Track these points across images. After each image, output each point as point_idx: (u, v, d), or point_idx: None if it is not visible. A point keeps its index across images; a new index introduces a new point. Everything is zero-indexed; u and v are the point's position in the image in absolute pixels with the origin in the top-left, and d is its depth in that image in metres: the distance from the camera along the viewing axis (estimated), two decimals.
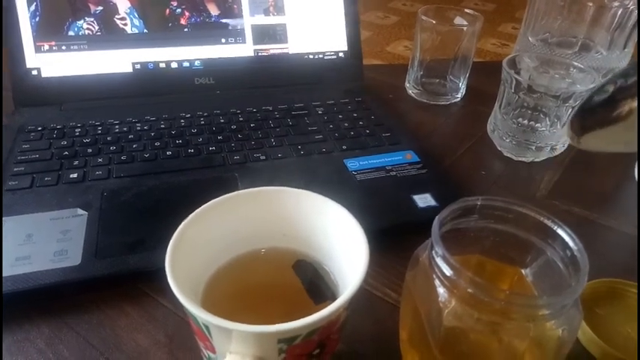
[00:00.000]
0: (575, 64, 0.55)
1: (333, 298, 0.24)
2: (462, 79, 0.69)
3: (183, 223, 0.28)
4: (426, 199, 0.47)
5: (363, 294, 0.40)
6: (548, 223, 0.29)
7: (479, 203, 0.30)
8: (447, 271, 0.26)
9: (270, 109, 0.60)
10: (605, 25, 0.60)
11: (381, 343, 0.36)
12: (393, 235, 0.42)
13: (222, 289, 0.30)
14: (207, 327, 0.24)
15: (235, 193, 0.31)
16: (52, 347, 0.35)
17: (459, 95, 0.70)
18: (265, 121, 0.57)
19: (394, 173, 0.50)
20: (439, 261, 0.26)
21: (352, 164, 0.51)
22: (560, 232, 0.28)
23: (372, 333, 0.37)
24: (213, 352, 0.25)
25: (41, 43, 0.56)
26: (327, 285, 0.31)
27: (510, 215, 0.30)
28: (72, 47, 0.57)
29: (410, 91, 0.71)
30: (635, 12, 0.58)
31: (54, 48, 0.57)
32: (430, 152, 0.56)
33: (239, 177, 0.48)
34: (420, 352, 0.31)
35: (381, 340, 0.36)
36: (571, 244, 0.28)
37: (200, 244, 0.29)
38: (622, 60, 0.64)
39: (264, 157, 0.51)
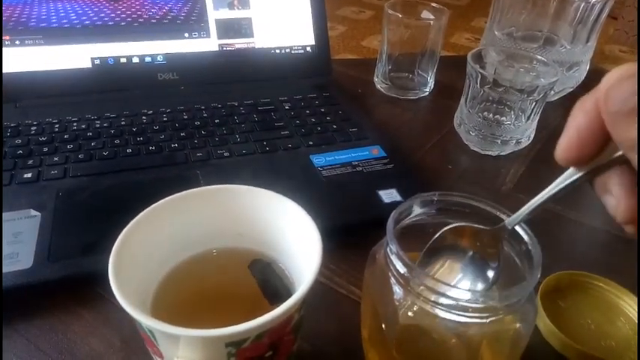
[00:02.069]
0: (539, 57, 0.55)
1: (289, 297, 0.24)
2: (430, 74, 0.68)
3: (128, 225, 0.27)
4: (391, 195, 0.47)
5: (327, 291, 0.40)
6: (504, 217, 0.29)
7: (435, 199, 0.30)
8: (402, 269, 0.26)
9: (236, 104, 0.59)
10: (568, 19, 0.61)
11: (345, 341, 0.36)
12: (358, 232, 0.41)
13: (174, 292, 0.29)
14: (151, 332, 0.23)
15: (185, 192, 0.30)
16: None
17: (428, 89, 0.70)
18: (230, 117, 0.56)
19: (360, 169, 0.50)
20: (394, 258, 0.26)
21: (318, 160, 0.50)
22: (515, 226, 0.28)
23: (336, 331, 0.37)
24: (161, 357, 0.24)
25: None
26: (283, 284, 0.30)
27: (467, 210, 0.30)
28: (26, 42, 0.55)
29: (378, 86, 0.70)
30: (597, 6, 0.59)
31: (7, 43, 0.54)
32: (397, 147, 0.55)
33: (201, 174, 0.47)
34: (378, 351, 0.30)
35: (346, 338, 0.36)
36: (525, 237, 0.28)
37: (149, 246, 0.28)
38: (585, 53, 0.64)
39: (228, 154, 0.50)
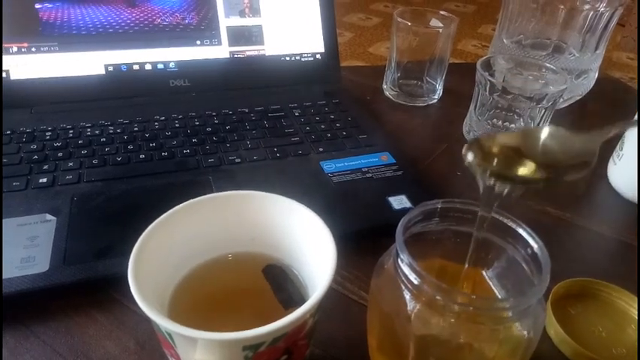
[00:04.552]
0: (548, 65, 0.55)
1: (303, 302, 0.24)
2: (438, 81, 0.69)
3: (147, 230, 0.27)
4: (401, 201, 0.47)
5: (338, 297, 0.40)
6: (508, 222, 0.29)
7: (439, 206, 0.30)
8: (415, 279, 0.26)
9: (247, 111, 0.60)
10: (577, 27, 0.61)
11: (356, 347, 0.36)
12: (368, 237, 0.42)
13: (190, 295, 0.30)
14: (170, 335, 0.23)
15: (200, 198, 0.30)
16: (17, 357, 0.34)
17: (436, 96, 0.70)
18: (241, 123, 0.57)
19: (370, 175, 0.50)
20: (405, 269, 0.26)
21: (328, 166, 0.51)
22: (520, 230, 0.29)
23: (347, 336, 0.37)
24: (178, 359, 0.25)
25: (10, 45, 0.55)
26: (296, 289, 0.31)
27: (470, 216, 0.30)
28: (42, 49, 0.56)
29: (387, 93, 0.71)
30: (606, 15, 0.59)
31: (23, 50, 0.56)
32: (406, 154, 0.56)
33: (213, 180, 0.48)
34: None
35: (357, 343, 0.36)
36: (531, 242, 0.28)
37: (165, 251, 0.28)
38: (594, 61, 0.65)
39: (239, 160, 0.51)
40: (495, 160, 0.26)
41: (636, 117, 0.51)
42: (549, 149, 0.27)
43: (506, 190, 0.26)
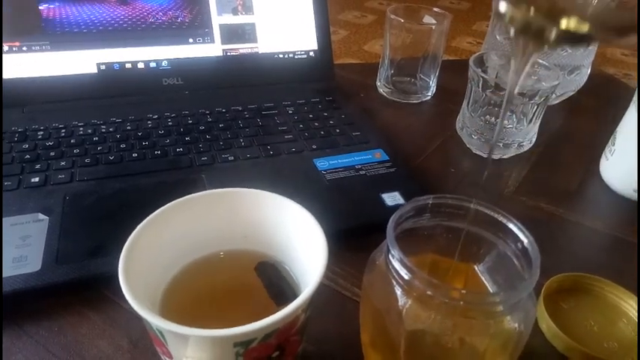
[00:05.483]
0: (541, 61, 0.55)
1: (295, 298, 0.24)
2: (432, 78, 0.69)
3: (137, 228, 0.27)
4: (394, 198, 0.47)
5: (332, 293, 0.40)
6: (499, 217, 0.29)
7: (430, 202, 0.30)
8: (405, 275, 0.26)
9: (240, 109, 0.59)
10: None
11: (349, 343, 0.36)
12: (362, 234, 0.42)
13: (182, 293, 0.30)
14: (160, 332, 0.23)
15: (192, 195, 0.30)
16: (10, 356, 0.34)
17: (430, 93, 0.70)
18: (234, 121, 0.57)
19: (363, 172, 0.50)
20: (396, 264, 0.26)
21: (322, 164, 0.51)
22: (510, 225, 0.29)
23: (340, 332, 0.37)
24: (170, 357, 0.25)
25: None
26: (289, 286, 0.31)
27: (461, 212, 0.30)
28: (34, 48, 0.56)
29: (381, 90, 0.71)
30: None
31: (14, 49, 0.55)
32: (400, 150, 0.56)
33: (206, 178, 0.48)
34: (383, 356, 0.31)
35: (350, 340, 0.36)
36: (521, 236, 0.28)
37: (157, 248, 0.28)
38: (586, 57, 0.65)
39: (232, 158, 0.51)
40: (536, 11, 0.21)
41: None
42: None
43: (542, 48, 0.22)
